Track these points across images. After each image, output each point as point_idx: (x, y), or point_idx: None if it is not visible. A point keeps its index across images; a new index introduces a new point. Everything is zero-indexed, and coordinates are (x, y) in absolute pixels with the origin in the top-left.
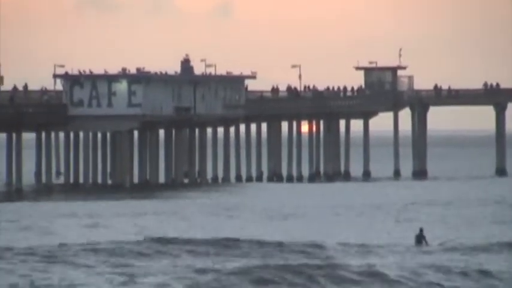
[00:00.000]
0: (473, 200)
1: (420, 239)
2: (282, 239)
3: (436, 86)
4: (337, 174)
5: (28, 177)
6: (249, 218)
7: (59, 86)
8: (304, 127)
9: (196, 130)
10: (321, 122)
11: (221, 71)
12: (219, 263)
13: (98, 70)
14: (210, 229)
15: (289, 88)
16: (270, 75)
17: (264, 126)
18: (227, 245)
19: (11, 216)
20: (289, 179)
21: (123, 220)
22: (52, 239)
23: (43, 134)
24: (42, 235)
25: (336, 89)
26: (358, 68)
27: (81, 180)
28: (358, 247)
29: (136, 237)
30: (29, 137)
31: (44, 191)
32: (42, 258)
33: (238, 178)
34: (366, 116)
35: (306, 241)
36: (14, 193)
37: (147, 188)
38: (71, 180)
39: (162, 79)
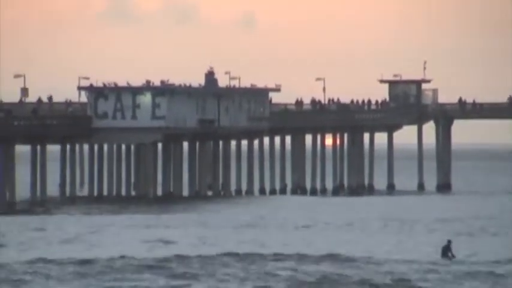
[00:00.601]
0: None
1: (446, 251)
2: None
3: (460, 100)
4: (361, 188)
5: (52, 189)
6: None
7: (84, 98)
8: (328, 140)
9: (220, 143)
10: (345, 135)
11: (245, 83)
12: None
13: (122, 82)
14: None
15: (313, 101)
16: (294, 88)
17: (288, 139)
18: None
19: (87, 229)
20: (313, 192)
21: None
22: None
23: (67, 146)
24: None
25: (360, 102)
26: (382, 81)
27: (105, 192)
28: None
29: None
30: (53, 149)
31: (86, 202)
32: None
33: (262, 191)
34: (390, 129)
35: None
36: (52, 205)
37: (197, 200)
38: (95, 193)
39: (186, 91)
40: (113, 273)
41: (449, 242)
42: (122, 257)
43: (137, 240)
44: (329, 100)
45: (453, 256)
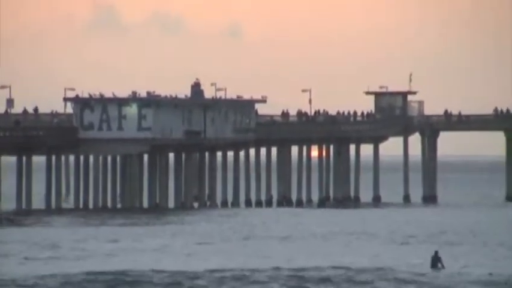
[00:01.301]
0: None
1: (436, 261)
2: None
3: (446, 112)
4: (346, 199)
5: (36, 200)
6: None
7: (70, 109)
8: (314, 151)
9: (206, 154)
10: (331, 147)
11: (231, 94)
12: None
13: (108, 93)
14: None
15: (299, 112)
16: (280, 100)
17: (274, 150)
18: None
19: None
20: (299, 203)
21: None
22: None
23: (53, 157)
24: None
25: (346, 113)
26: (368, 93)
27: (90, 203)
28: None
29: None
30: (39, 160)
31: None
32: None
33: (248, 202)
34: (376, 140)
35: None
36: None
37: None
38: (81, 204)
39: (172, 103)
40: None
41: (436, 252)
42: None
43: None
44: (315, 112)
45: (443, 267)
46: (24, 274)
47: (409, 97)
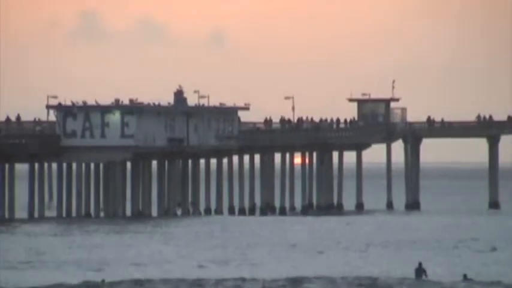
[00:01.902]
0: None
1: (420, 272)
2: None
3: (429, 118)
4: (329, 206)
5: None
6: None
7: (52, 117)
8: (297, 159)
9: (189, 161)
10: (314, 154)
11: (214, 102)
12: None
13: (91, 101)
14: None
15: (282, 120)
16: (263, 107)
17: (257, 157)
18: None
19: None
20: (282, 210)
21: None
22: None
23: (36, 165)
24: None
25: (329, 120)
26: (351, 100)
27: (73, 211)
28: None
29: None
30: (21, 167)
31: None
32: None
33: (231, 210)
34: (359, 147)
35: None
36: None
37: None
38: (64, 212)
39: (155, 110)
40: None
41: (420, 264)
42: None
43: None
44: (299, 119)
45: (426, 277)
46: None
47: (392, 104)
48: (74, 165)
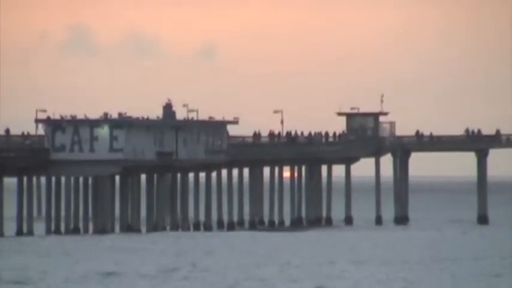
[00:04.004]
0: None
1: None
2: None
3: (417, 132)
4: (318, 220)
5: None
6: None
7: (41, 130)
8: (286, 172)
9: (178, 175)
10: (303, 168)
11: (203, 116)
12: None
13: (80, 115)
14: None
15: (271, 133)
16: (252, 120)
17: (246, 171)
18: None
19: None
20: (271, 224)
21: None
22: None
23: (25, 179)
24: None
25: (318, 134)
26: (340, 114)
27: (62, 226)
28: None
29: None
30: (10, 181)
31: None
32: None
33: (220, 223)
34: (348, 161)
35: None
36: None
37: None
38: (52, 226)
39: (144, 124)
40: None
41: None
42: None
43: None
44: (287, 133)
45: None
46: None
47: (381, 118)
48: (63, 179)
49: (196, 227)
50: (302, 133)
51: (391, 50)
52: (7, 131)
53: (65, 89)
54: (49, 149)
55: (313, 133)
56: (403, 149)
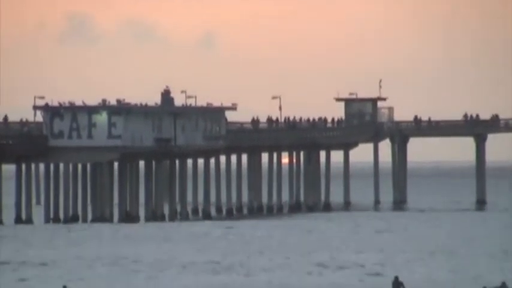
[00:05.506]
0: None
1: (397, 286)
2: None
3: (416, 117)
4: (317, 205)
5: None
6: None
7: (39, 117)
8: (285, 158)
9: (177, 161)
10: (301, 153)
11: (201, 102)
12: None
13: (78, 101)
14: None
15: (269, 119)
16: (250, 106)
17: (244, 157)
18: None
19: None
20: (269, 209)
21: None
22: None
23: (23, 166)
24: None
25: (316, 120)
26: (338, 99)
27: (61, 212)
28: None
29: None
30: (8, 168)
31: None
32: None
33: (219, 209)
34: (346, 147)
35: None
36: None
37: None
38: (51, 213)
39: (142, 111)
40: None
41: (396, 278)
42: None
43: None
44: (286, 119)
45: None
46: None
47: (379, 103)
48: (61, 166)
49: (195, 213)
50: (301, 119)
51: (389, 35)
52: (5, 118)
53: (63, 75)
54: (47, 136)
55: (311, 119)
56: (401, 134)
